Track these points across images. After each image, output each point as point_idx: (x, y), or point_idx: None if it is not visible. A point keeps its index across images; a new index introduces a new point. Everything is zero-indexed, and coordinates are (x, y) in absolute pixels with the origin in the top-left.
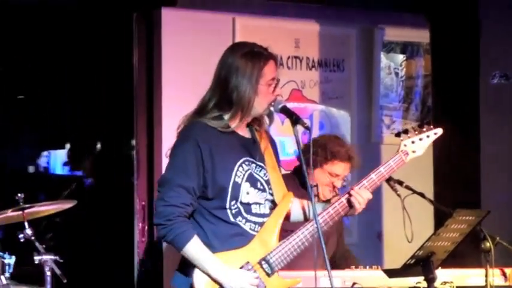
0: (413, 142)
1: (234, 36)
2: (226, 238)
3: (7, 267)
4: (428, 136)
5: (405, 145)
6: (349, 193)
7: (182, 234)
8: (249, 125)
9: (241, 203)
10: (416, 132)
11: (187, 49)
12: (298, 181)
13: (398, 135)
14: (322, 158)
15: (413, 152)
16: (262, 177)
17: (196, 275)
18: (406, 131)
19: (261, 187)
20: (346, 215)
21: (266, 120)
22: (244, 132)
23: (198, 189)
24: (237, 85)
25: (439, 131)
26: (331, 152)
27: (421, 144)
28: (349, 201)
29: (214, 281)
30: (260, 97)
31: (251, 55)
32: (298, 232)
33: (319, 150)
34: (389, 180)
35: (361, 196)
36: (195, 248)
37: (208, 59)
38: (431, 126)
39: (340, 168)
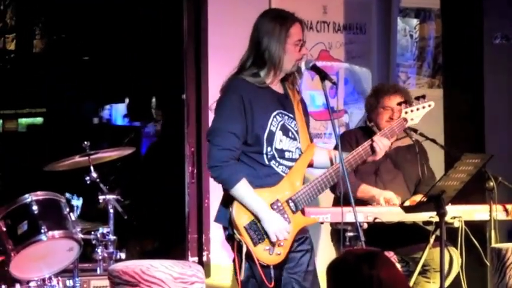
0: (411, 111)
1: (270, 3)
2: (261, 177)
3: (75, 208)
4: (423, 107)
5: (406, 112)
6: (372, 140)
7: (233, 175)
8: (282, 83)
9: (275, 149)
10: (414, 103)
11: (231, 15)
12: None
13: (400, 104)
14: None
15: (412, 119)
16: (293, 128)
17: (234, 208)
18: (405, 102)
19: (292, 136)
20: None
21: (298, 78)
22: (278, 88)
23: (243, 135)
24: (268, 45)
25: (432, 104)
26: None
27: (417, 114)
28: (371, 147)
29: (256, 217)
30: (288, 55)
31: (279, 19)
32: (321, 176)
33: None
34: (405, 129)
35: (382, 142)
36: (243, 188)
37: (248, 24)
38: (425, 100)
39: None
